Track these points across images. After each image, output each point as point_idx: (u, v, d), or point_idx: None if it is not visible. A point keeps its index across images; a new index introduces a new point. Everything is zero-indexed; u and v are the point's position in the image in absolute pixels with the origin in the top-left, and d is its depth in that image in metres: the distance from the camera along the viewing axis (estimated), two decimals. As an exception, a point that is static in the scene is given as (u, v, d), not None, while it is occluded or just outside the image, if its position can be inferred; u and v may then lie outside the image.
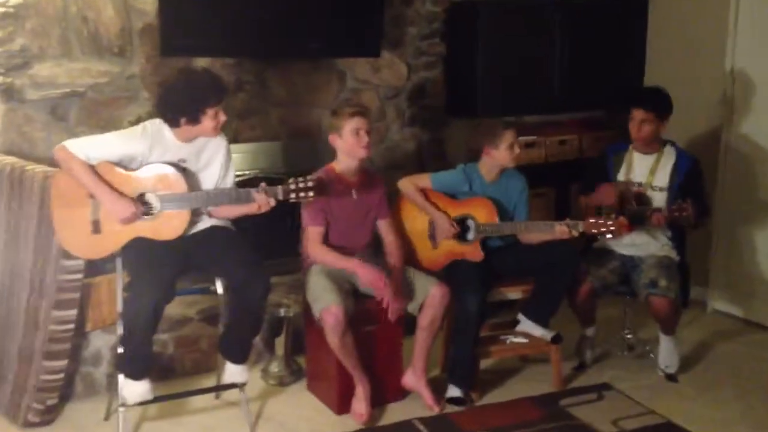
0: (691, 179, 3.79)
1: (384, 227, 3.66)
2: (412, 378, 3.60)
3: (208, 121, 3.20)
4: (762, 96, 4.46)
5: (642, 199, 3.78)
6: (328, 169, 3.56)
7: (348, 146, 3.47)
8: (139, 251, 3.18)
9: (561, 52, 4.95)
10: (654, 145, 3.84)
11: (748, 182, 4.50)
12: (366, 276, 3.43)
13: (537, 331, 3.73)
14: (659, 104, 3.78)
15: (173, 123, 3.22)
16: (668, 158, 3.84)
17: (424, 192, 3.77)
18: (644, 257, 3.80)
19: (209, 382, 3.75)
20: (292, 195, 3.22)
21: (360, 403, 3.46)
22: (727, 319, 4.63)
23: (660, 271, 3.69)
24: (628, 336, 4.10)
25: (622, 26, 5.14)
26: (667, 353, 3.85)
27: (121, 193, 3.16)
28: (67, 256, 3.25)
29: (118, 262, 3.30)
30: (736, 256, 4.61)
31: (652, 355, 3.96)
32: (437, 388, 3.60)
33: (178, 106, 3.18)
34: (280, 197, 3.23)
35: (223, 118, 3.24)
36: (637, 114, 3.77)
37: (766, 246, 4.48)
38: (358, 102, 4.34)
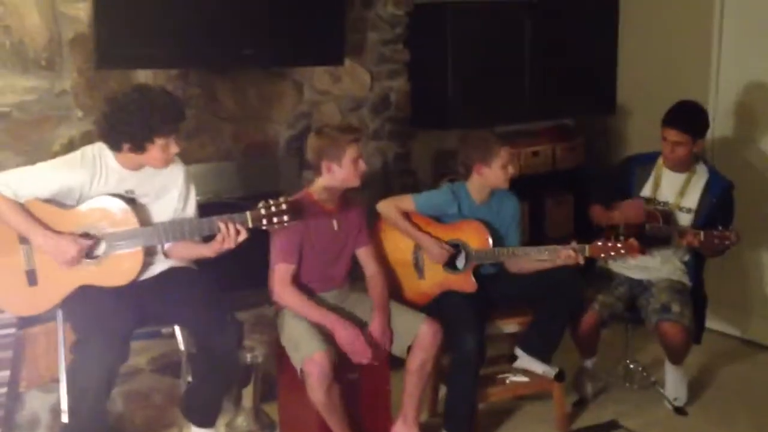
0: (723, 205, 3.49)
1: (364, 256, 3.26)
2: (403, 428, 3.20)
3: (155, 152, 2.75)
4: (746, 103, 4.26)
5: (669, 220, 3.46)
6: (305, 195, 3.13)
7: (346, 176, 3.06)
8: (86, 303, 2.72)
9: (531, 57, 4.66)
10: (687, 163, 3.52)
11: (739, 195, 4.25)
12: (344, 338, 2.99)
13: (538, 367, 3.37)
14: (696, 124, 3.45)
15: (114, 147, 2.76)
16: (699, 178, 3.53)
17: (407, 215, 3.37)
18: (655, 281, 3.50)
19: (166, 442, 3.31)
20: (264, 221, 2.76)
21: (349, 465, 3.04)
22: (724, 339, 4.39)
23: (673, 296, 3.39)
24: (631, 366, 3.78)
25: (593, 30, 4.89)
26: (674, 384, 3.57)
27: (59, 232, 2.68)
28: (-4, 309, 2.75)
29: (58, 313, 2.82)
30: (730, 274, 4.37)
31: (657, 386, 3.66)
32: (429, 435, 3.22)
33: (125, 128, 2.71)
34: (250, 225, 2.78)
35: (174, 149, 2.79)
36: (670, 135, 3.42)
37: (760, 263, 4.28)
38: (350, 124, 3.97)
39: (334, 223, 3.15)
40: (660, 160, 3.57)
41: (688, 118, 3.46)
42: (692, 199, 3.50)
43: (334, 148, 3.05)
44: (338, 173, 3.06)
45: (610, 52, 4.97)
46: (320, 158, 3.07)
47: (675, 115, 3.46)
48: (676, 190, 3.52)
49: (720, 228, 3.27)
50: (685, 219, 3.49)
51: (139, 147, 2.74)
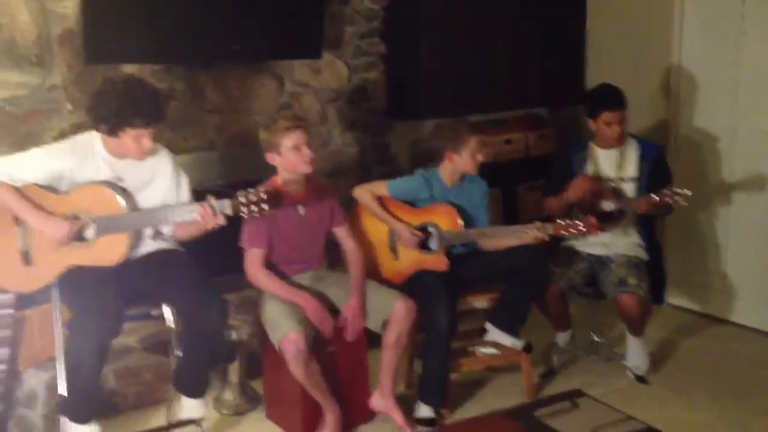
0: (660, 166, 3.75)
1: (341, 234, 3.45)
2: (380, 400, 3.39)
3: (128, 141, 2.90)
4: (709, 88, 4.44)
5: (619, 194, 3.67)
6: (271, 184, 3.29)
7: (290, 164, 3.21)
8: (78, 281, 2.88)
9: (503, 47, 4.83)
10: (624, 137, 3.75)
11: (699, 175, 4.47)
12: (313, 314, 3.19)
13: (507, 340, 3.56)
14: (624, 99, 3.69)
15: (95, 127, 2.94)
16: (632, 149, 3.76)
17: (381, 200, 3.56)
18: (613, 256, 3.70)
19: (157, 415, 3.50)
20: (243, 209, 2.91)
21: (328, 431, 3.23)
22: (685, 313, 4.59)
23: (629, 270, 3.60)
24: (595, 339, 3.99)
25: (562, 20, 5.05)
26: (636, 355, 3.76)
27: (51, 213, 2.86)
28: (-6, 289, 2.91)
29: (54, 293, 2.99)
30: (690, 248, 4.58)
31: (620, 358, 3.86)
32: (405, 405, 3.40)
33: (102, 111, 2.88)
34: (229, 212, 2.94)
35: (147, 145, 2.94)
36: (612, 116, 3.65)
37: (720, 238, 4.47)
38: (294, 113, 4.11)
39: (300, 209, 3.31)
40: (592, 144, 3.79)
41: (621, 95, 3.69)
42: (631, 169, 3.72)
43: (270, 137, 3.20)
44: (280, 162, 3.21)
45: (580, 42, 5.12)
46: (265, 150, 3.24)
47: (613, 97, 3.69)
48: (614, 164, 3.74)
49: (670, 187, 3.48)
50: (629, 188, 3.71)
51: (111, 131, 2.89)
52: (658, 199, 3.49)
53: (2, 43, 3.44)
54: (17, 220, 2.90)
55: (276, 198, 2.99)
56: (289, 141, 3.18)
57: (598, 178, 3.73)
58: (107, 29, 3.55)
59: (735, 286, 4.40)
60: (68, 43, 3.59)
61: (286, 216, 3.28)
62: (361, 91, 4.54)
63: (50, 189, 2.92)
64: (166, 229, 3.15)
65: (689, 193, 3.44)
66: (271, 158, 3.24)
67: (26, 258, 2.89)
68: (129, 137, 2.89)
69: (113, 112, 2.85)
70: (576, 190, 3.64)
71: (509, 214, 4.92)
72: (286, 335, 3.06)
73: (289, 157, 3.19)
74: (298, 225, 3.32)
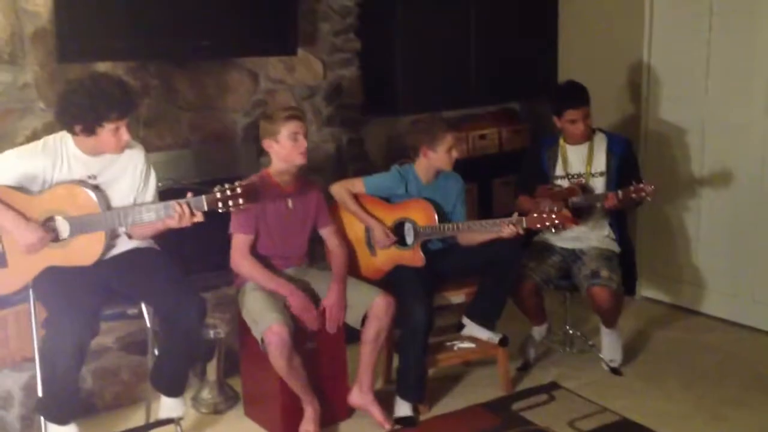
0: (628, 160, 3.80)
1: (326, 234, 3.48)
2: (359, 395, 3.41)
3: (106, 136, 2.87)
4: (679, 82, 4.49)
5: (586, 190, 3.73)
6: (263, 175, 3.33)
7: (285, 152, 3.24)
8: (54, 282, 2.86)
9: (476, 43, 4.87)
10: (590, 132, 3.80)
11: (669, 168, 4.53)
12: (297, 304, 3.21)
13: (483, 334, 3.60)
14: (587, 96, 3.74)
15: (68, 129, 2.90)
16: (600, 143, 3.81)
17: (357, 197, 3.58)
18: (586, 250, 3.75)
19: (135, 415, 3.48)
20: (220, 204, 2.88)
21: (309, 425, 3.25)
22: (657, 305, 4.66)
23: (601, 262, 3.65)
24: (570, 332, 4.04)
25: (535, 16, 5.10)
26: (610, 347, 3.81)
27: (26, 218, 2.83)
28: (-32, 291, 2.88)
29: (30, 294, 2.97)
30: (661, 241, 4.65)
31: (595, 350, 3.91)
32: (384, 401, 3.41)
33: (75, 111, 2.84)
34: (205, 208, 2.92)
35: (125, 137, 2.91)
36: (576, 114, 3.70)
37: (690, 231, 4.53)
38: (290, 105, 4.09)
39: (289, 202, 3.34)
40: (561, 140, 3.84)
41: (584, 92, 3.74)
42: (600, 163, 3.78)
43: (270, 125, 3.25)
44: (277, 150, 3.25)
45: (552, 37, 5.16)
46: (263, 137, 3.28)
47: (576, 95, 3.73)
48: (583, 159, 3.79)
49: (634, 183, 3.54)
50: (599, 182, 3.76)
51: (89, 130, 2.85)
52: (621, 195, 3.55)
53: (-27, 41, 3.41)
54: (-10, 223, 2.87)
55: (253, 192, 2.98)
56: (288, 129, 3.22)
57: (566, 176, 3.79)
58: (80, 27, 3.53)
59: (705, 278, 4.47)
60: (41, 42, 3.57)
61: (275, 207, 3.30)
62: (336, 88, 4.54)
63: (22, 190, 2.88)
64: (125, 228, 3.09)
65: (651, 188, 3.50)
66: (269, 145, 3.27)
67: (1, 260, 2.87)
68: (107, 132, 2.86)
69: (87, 109, 2.82)
70: (545, 196, 3.69)
71: (484, 208, 4.97)
72: (270, 327, 3.06)
73: (286, 145, 3.23)
74: (286, 217, 3.33)
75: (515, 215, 3.43)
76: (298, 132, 3.24)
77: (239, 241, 3.26)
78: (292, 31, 4.15)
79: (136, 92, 3.12)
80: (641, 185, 3.51)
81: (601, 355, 3.84)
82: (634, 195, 3.52)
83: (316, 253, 3.64)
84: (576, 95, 3.74)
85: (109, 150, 2.94)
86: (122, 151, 2.98)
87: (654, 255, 4.66)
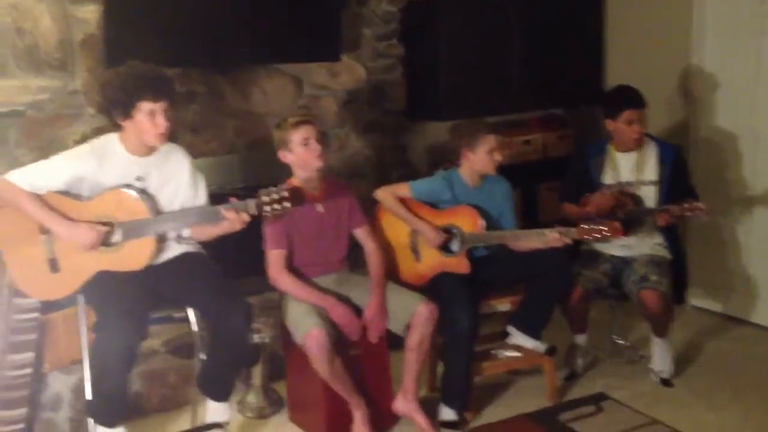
0: (679, 168, 3.74)
1: (362, 235, 3.46)
2: (404, 403, 3.38)
3: (143, 118, 2.87)
4: (729, 88, 4.41)
5: (639, 201, 3.66)
6: (287, 184, 3.29)
7: (300, 159, 3.24)
8: (105, 286, 2.89)
9: (520, 49, 4.83)
10: (643, 138, 3.74)
11: (719, 176, 4.45)
12: (339, 318, 3.20)
13: (529, 343, 3.56)
14: (644, 98, 3.68)
15: (109, 117, 2.95)
16: (651, 151, 3.74)
17: (403, 202, 3.56)
18: (636, 257, 3.69)
19: (182, 418, 3.51)
20: (266, 208, 2.90)
21: (361, 429, 3.25)
22: (707, 315, 4.57)
23: (651, 268, 3.59)
24: (618, 341, 3.97)
25: (579, 21, 5.04)
26: (660, 357, 3.74)
27: (76, 221, 2.87)
28: (20, 293, 2.92)
29: (80, 297, 3.00)
30: (712, 250, 4.56)
31: (644, 360, 3.84)
32: (428, 409, 3.39)
33: (111, 94, 2.89)
34: (253, 212, 2.94)
35: (162, 121, 2.90)
36: (635, 114, 3.64)
37: (741, 239, 4.44)
38: (305, 111, 4.10)
39: (319, 207, 3.33)
40: (609, 147, 3.77)
41: (639, 95, 3.68)
42: (651, 172, 3.71)
43: (280, 134, 3.26)
44: (292, 159, 3.26)
45: (598, 41, 5.10)
46: (277, 148, 3.29)
47: (633, 97, 3.68)
48: (633, 168, 3.72)
49: (689, 201, 3.47)
50: (651, 191, 3.69)
51: (125, 114, 2.87)
52: (678, 212, 3.48)
53: (25, 47, 3.44)
54: (42, 228, 2.90)
55: (298, 195, 2.98)
56: (298, 136, 3.22)
57: (616, 185, 3.71)
58: (128, 34, 3.56)
59: (756, 287, 4.37)
60: (89, 48, 3.60)
61: (306, 216, 3.29)
62: (378, 93, 4.53)
63: (72, 196, 2.92)
64: (186, 231, 3.14)
65: (703, 206, 3.44)
66: (284, 156, 3.28)
67: (53, 266, 2.91)
68: (143, 115, 2.87)
69: (121, 90, 2.85)
70: (597, 205, 3.63)
71: (528, 214, 4.92)
72: (309, 332, 3.07)
73: (299, 153, 3.22)
74: (318, 224, 3.33)
75: (557, 227, 3.39)
76: (309, 137, 3.22)
77: (274, 257, 3.27)
78: (336, 36, 4.15)
79: (172, 79, 3.11)
80: (696, 204, 3.45)
81: (651, 366, 3.77)
82: (689, 213, 3.46)
83: (358, 259, 3.63)
84: (635, 96, 3.68)
85: (150, 139, 2.93)
86: (164, 142, 2.98)
87: (704, 263, 4.57)
